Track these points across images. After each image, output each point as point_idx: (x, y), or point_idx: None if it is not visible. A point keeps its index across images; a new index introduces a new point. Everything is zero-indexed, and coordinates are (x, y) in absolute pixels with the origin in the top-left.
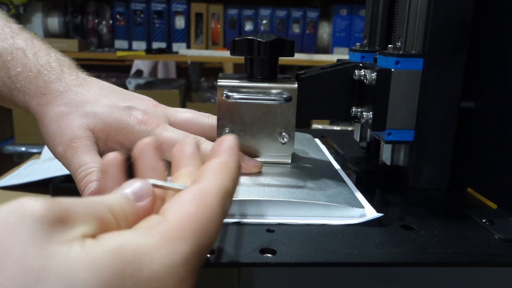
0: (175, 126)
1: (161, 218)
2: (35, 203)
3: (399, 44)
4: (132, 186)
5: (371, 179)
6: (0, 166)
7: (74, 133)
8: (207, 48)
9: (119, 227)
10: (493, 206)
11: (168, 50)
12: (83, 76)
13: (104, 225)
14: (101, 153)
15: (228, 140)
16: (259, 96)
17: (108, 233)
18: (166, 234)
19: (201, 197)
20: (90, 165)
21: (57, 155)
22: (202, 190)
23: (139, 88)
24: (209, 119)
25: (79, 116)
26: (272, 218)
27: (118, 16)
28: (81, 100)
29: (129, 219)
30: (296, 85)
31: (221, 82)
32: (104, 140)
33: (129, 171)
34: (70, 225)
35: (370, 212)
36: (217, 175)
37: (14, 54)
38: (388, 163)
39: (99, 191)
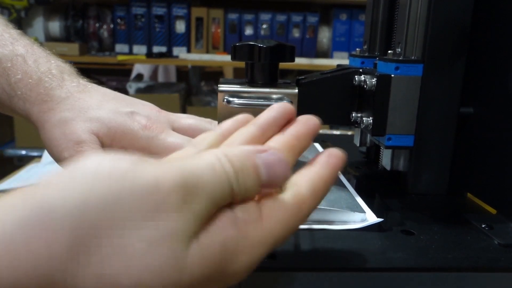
0: (178, 132)
1: (258, 213)
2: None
3: (399, 49)
4: (270, 170)
5: (371, 184)
6: (0, 169)
7: (80, 137)
8: (207, 52)
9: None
10: (493, 211)
11: (168, 54)
12: (84, 82)
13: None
14: None
15: (337, 157)
16: (260, 101)
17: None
18: (259, 236)
19: (298, 211)
20: None
21: (63, 161)
22: (301, 205)
23: (139, 92)
24: (212, 125)
25: (83, 121)
26: None
27: (119, 20)
28: (84, 106)
29: (247, 195)
30: (296, 91)
31: (222, 87)
32: (109, 146)
33: None
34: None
35: (370, 217)
36: (318, 195)
37: (14, 61)
38: (388, 168)
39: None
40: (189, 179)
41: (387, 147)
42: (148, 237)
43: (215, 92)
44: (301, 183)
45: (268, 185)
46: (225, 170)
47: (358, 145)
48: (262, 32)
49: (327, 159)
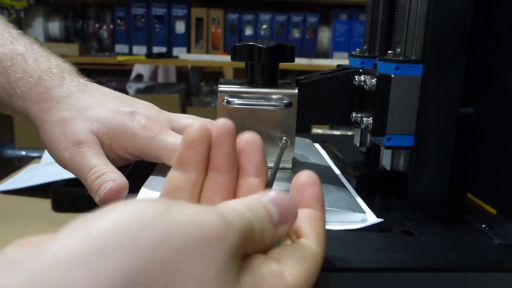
0: (178, 132)
1: (278, 270)
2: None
3: (399, 50)
4: (279, 206)
5: (371, 184)
6: (0, 170)
7: (80, 137)
8: (207, 52)
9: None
10: (493, 211)
11: (168, 55)
12: (84, 81)
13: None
14: None
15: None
16: (260, 101)
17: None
18: None
19: (315, 263)
20: (101, 167)
21: (62, 161)
22: (316, 256)
23: (139, 93)
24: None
25: (83, 120)
26: None
27: (118, 21)
28: (84, 105)
29: (265, 240)
30: (296, 91)
31: (222, 88)
32: (109, 145)
33: (132, 174)
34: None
35: (370, 217)
36: (323, 240)
37: (14, 60)
38: (388, 168)
39: (180, 162)
40: (224, 217)
41: (387, 147)
42: (202, 272)
43: (215, 93)
44: (308, 234)
45: (280, 223)
46: (243, 211)
47: (358, 145)
48: (262, 33)
49: (320, 201)
